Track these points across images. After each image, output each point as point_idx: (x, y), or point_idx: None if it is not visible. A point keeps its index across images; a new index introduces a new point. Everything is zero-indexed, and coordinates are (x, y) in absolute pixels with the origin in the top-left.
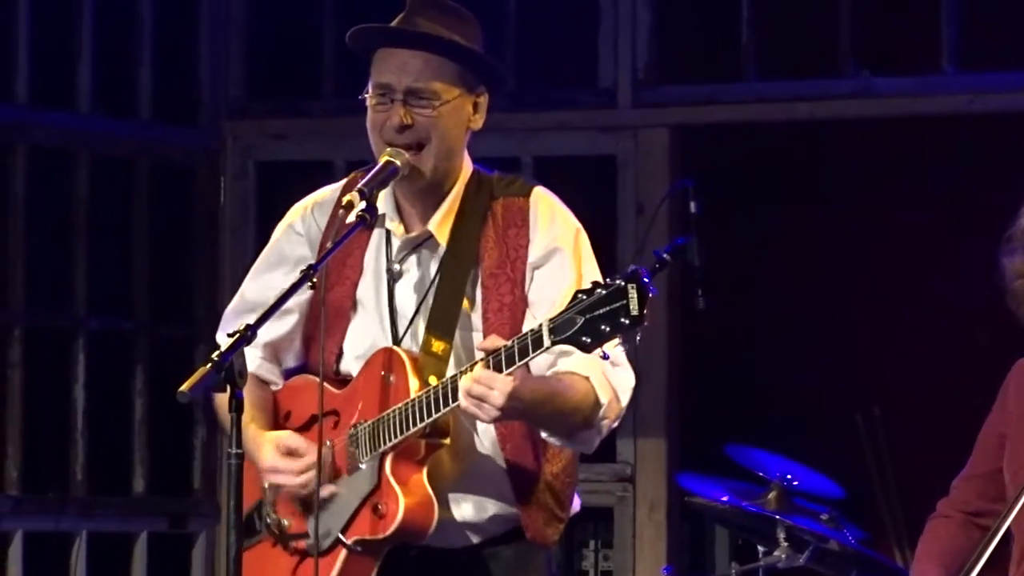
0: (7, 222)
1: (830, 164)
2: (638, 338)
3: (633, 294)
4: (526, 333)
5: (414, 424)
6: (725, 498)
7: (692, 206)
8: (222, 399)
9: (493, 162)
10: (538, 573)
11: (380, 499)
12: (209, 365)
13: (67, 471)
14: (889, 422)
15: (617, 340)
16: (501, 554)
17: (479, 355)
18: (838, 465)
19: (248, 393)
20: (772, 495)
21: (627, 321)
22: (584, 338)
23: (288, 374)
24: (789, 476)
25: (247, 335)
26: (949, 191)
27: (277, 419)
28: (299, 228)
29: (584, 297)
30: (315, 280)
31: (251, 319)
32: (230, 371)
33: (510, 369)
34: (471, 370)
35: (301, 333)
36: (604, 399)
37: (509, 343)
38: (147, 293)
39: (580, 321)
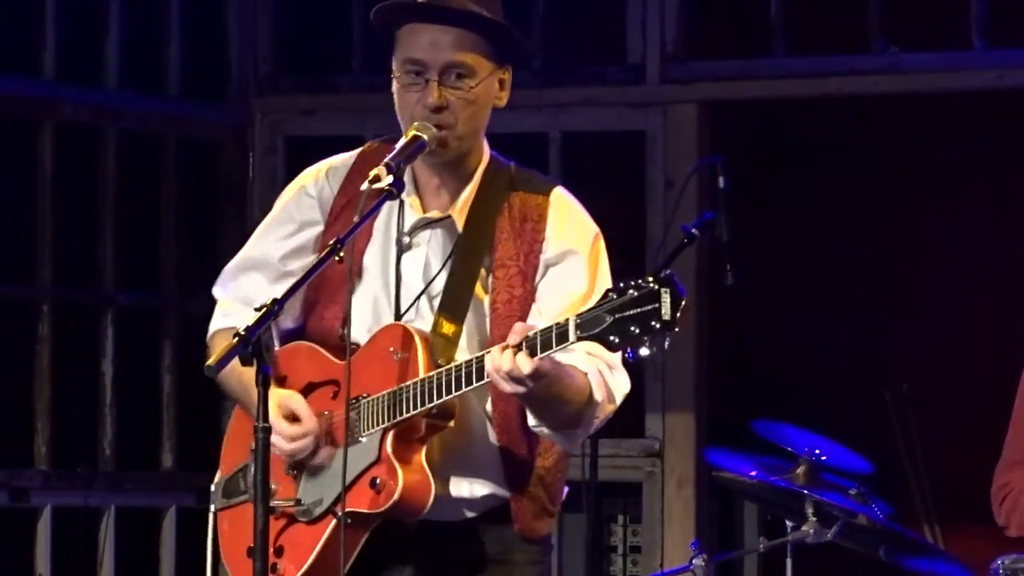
0: (35, 198)
1: (859, 140)
2: (667, 343)
3: (666, 298)
4: (551, 326)
5: (424, 403)
6: (753, 473)
7: (720, 181)
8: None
9: (522, 138)
10: (534, 548)
11: (379, 474)
12: (236, 339)
13: (96, 446)
14: (918, 399)
15: (646, 342)
16: (498, 527)
17: (512, 339)
18: (867, 441)
19: None
20: (800, 470)
21: (658, 325)
22: (612, 337)
23: (284, 335)
24: (817, 451)
25: (274, 309)
26: (979, 167)
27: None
28: (311, 191)
29: (615, 296)
30: (342, 255)
31: (252, 276)
32: (257, 345)
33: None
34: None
35: (301, 296)
36: (599, 397)
37: (532, 334)
38: (175, 268)
39: (608, 320)
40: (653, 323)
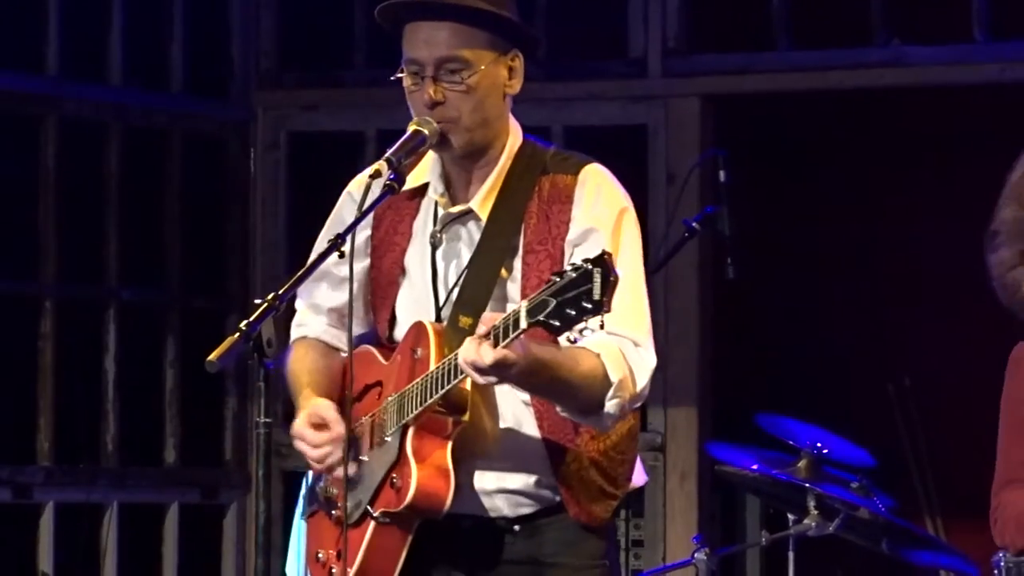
0: (38, 194)
1: (861, 133)
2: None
3: (597, 278)
4: (509, 314)
5: (426, 399)
6: (755, 467)
7: (722, 175)
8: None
9: (524, 132)
10: (591, 547)
11: (397, 473)
12: (237, 334)
13: (98, 442)
14: (920, 392)
15: (584, 324)
16: (551, 526)
17: (480, 330)
18: (869, 434)
19: (313, 359)
20: (802, 464)
21: (589, 305)
22: (553, 321)
23: (360, 340)
24: (819, 445)
25: (275, 304)
26: (981, 160)
27: (342, 386)
28: (356, 196)
29: (557, 279)
30: (343, 250)
31: (320, 286)
32: (258, 340)
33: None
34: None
35: (363, 301)
36: (615, 377)
37: (498, 323)
38: (178, 264)
39: (552, 304)
40: (584, 304)
